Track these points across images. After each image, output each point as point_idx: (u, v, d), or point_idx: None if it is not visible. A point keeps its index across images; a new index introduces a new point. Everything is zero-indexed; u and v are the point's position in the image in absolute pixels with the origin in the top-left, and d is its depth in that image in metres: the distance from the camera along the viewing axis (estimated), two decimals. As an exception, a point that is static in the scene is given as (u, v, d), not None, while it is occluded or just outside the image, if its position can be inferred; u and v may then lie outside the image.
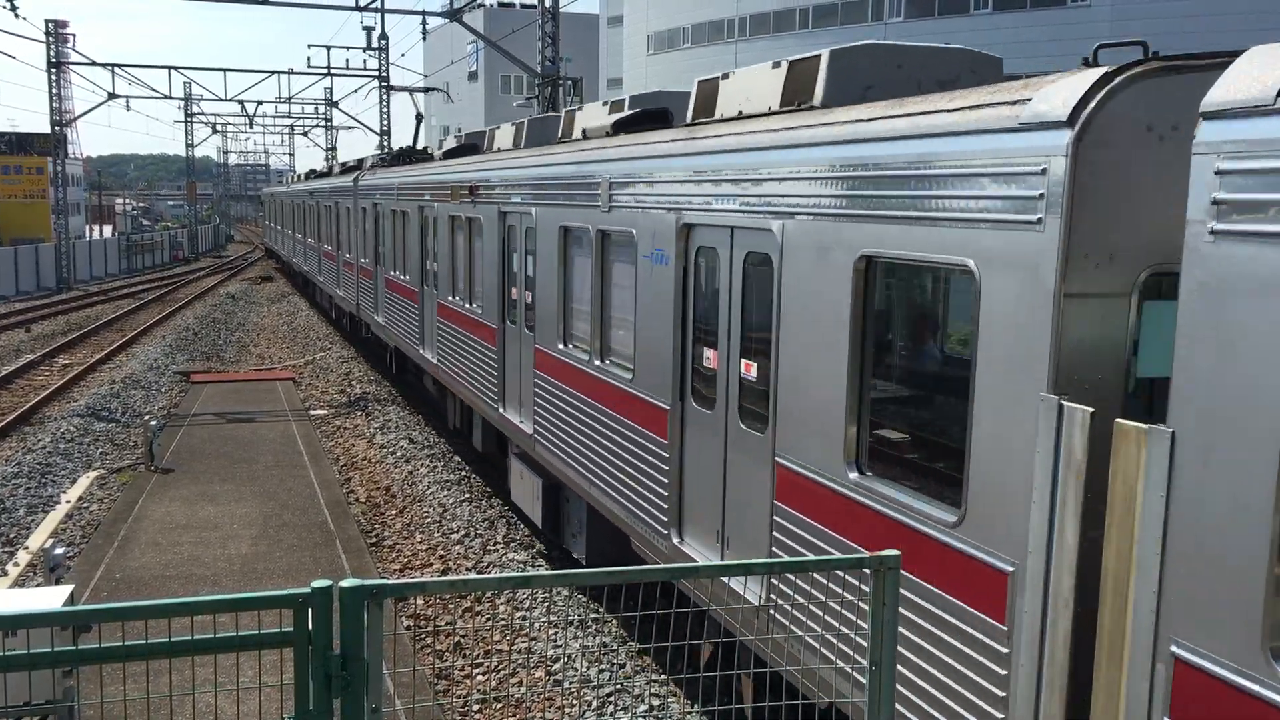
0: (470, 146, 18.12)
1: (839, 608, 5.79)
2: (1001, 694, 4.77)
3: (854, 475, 6.03)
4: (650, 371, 8.63)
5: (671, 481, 8.31)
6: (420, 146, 25.72)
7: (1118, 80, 4.50)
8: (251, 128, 78.45)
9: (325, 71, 54.95)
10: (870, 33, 55.83)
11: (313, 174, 44.47)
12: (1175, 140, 4.41)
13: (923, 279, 5.85)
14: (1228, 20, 43.72)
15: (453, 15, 32.26)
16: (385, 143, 54.73)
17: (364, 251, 24.30)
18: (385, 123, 55.42)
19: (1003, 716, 4.75)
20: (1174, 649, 3.85)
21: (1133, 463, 4.06)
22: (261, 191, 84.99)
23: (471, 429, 15.95)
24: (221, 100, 56.91)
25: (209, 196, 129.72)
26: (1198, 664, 3.77)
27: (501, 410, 13.07)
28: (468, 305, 14.67)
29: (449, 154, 18.17)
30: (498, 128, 16.52)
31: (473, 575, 10.94)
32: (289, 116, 76.90)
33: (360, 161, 30.67)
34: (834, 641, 6.01)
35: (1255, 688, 3.58)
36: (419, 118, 26.82)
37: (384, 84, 55.07)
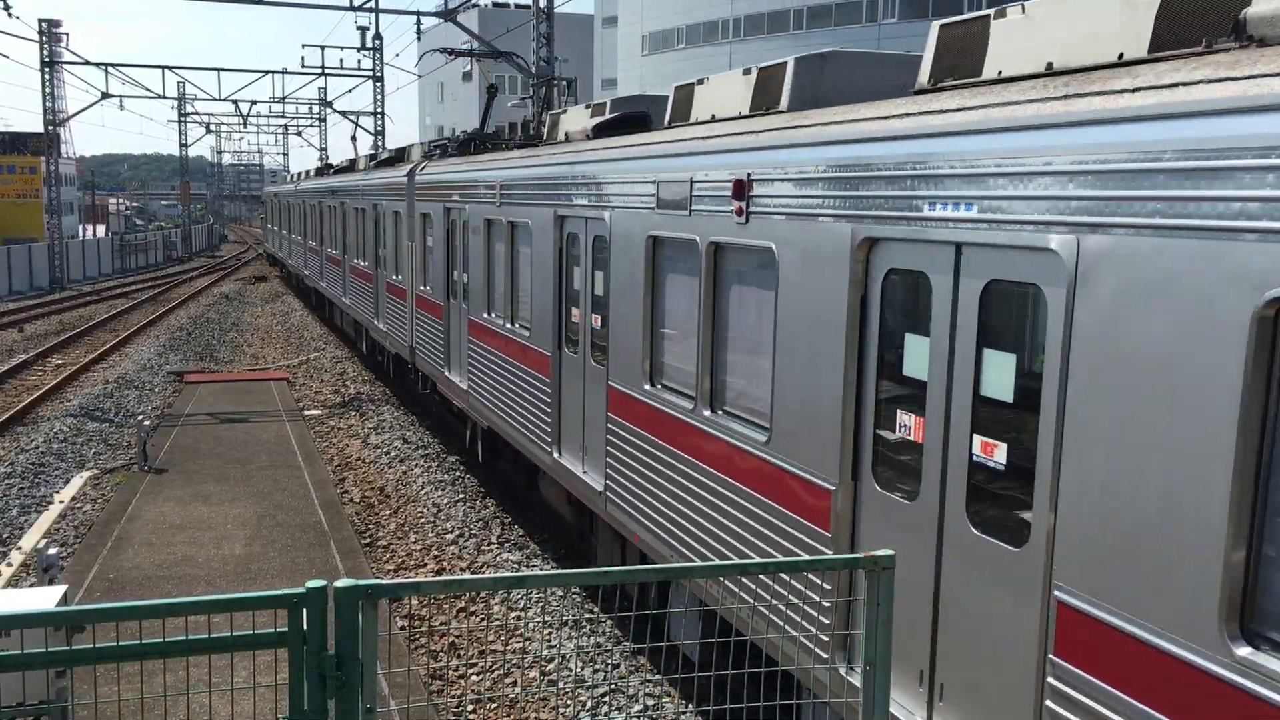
0: (635, 119, 11.33)
1: (832, 606, 5.78)
2: None
3: None
4: None
5: None
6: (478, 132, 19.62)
7: None
8: (245, 127, 78.43)
9: (320, 71, 54.92)
10: (865, 33, 56.00)
11: (330, 168, 38.08)
12: None
13: None
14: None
15: (447, 15, 32.25)
16: (380, 142, 54.66)
17: (426, 277, 17.63)
18: (380, 122, 55.41)
19: None
20: None
21: None
22: (263, 190, 78.95)
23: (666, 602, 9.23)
24: (215, 100, 56.87)
25: (203, 196, 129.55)
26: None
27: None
28: (703, 411, 7.74)
29: (604, 130, 11.32)
30: (698, 82, 9.10)
31: (467, 575, 10.93)
32: (283, 116, 76.91)
33: (402, 151, 24.02)
34: (827, 641, 6.01)
35: None
36: (492, 91, 19.93)
37: (379, 83, 55.11)
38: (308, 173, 45.33)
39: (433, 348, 17.12)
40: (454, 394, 15.73)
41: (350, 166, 31.83)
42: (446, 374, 16.12)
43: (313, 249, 34.58)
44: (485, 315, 13.73)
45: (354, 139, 54.13)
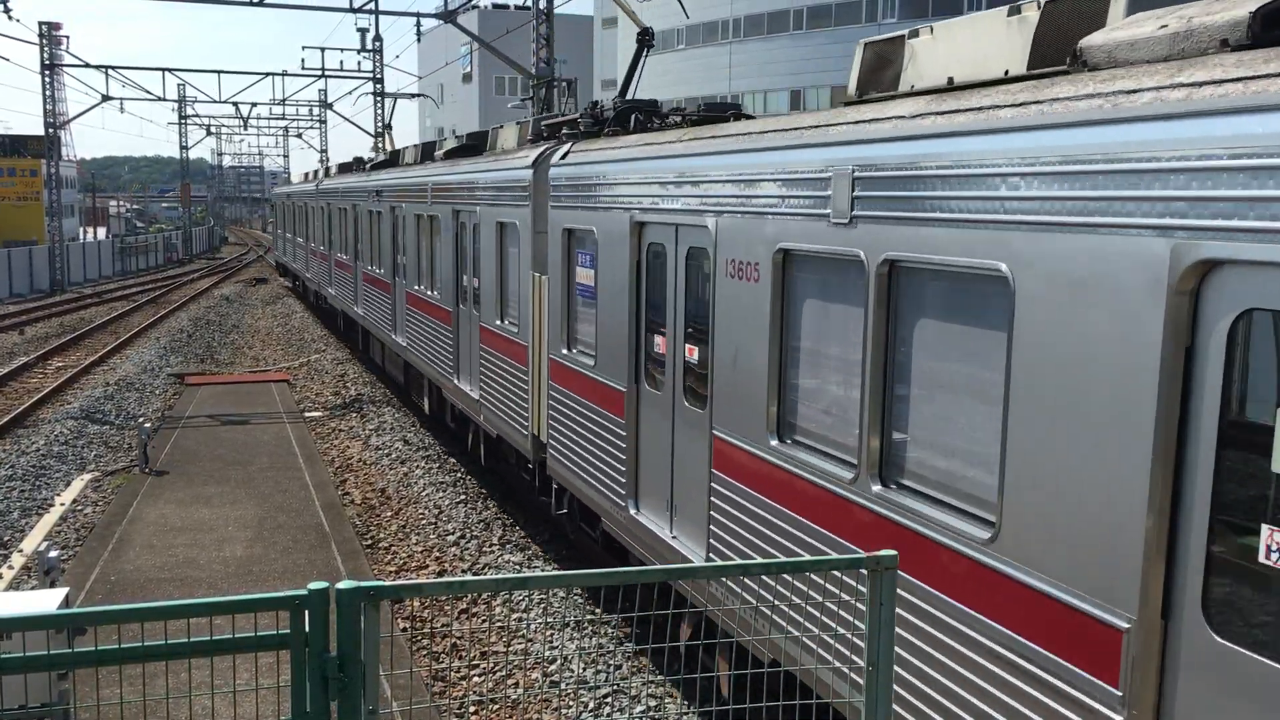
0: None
1: (835, 607, 5.78)
2: None
3: None
4: None
5: None
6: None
7: None
8: (245, 129, 78.42)
9: (320, 73, 54.95)
10: (864, 33, 56.12)
11: (362, 163, 31.70)
12: None
13: None
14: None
15: (447, 17, 32.27)
16: (381, 143, 54.62)
17: (572, 336, 10.83)
18: (380, 122, 55.37)
19: None
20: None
21: None
22: (272, 192, 73.72)
23: None
24: (216, 102, 56.88)
25: (203, 198, 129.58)
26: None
27: None
28: None
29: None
30: None
31: (469, 577, 10.92)
32: (283, 118, 76.92)
33: (480, 137, 17.76)
34: (830, 641, 6.00)
35: None
36: (646, 36, 13.42)
37: (379, 84, 55.13)
38: (327, 170, 38.45)
39: (594, 459, 10.12)
40: (661, 558, 8.69)
41: (394, 160, 24.82)
42: (634, 514, 9.28)
43: (343, 264, 27.50)
44: (776, 444, 6.95)
45: (389, 128, 48.78)
